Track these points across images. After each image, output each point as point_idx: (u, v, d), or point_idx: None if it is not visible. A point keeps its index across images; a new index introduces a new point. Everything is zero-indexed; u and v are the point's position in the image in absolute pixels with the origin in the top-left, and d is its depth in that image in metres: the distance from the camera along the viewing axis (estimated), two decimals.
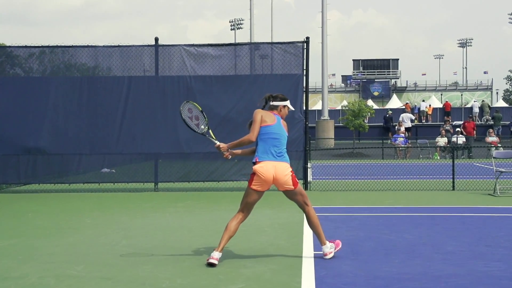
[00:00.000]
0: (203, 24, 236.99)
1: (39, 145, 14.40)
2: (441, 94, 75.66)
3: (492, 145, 24.70)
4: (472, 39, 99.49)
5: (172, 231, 9.04)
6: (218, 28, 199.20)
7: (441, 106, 52.53)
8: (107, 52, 14.62)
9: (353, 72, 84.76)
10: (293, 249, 7.62)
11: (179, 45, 14.59)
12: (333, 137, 35.54)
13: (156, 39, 14.77)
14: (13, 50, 14.87)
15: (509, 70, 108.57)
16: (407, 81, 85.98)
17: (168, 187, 14.88)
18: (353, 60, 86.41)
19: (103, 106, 14.47)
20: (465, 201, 12.56)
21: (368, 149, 26.63)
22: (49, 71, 14.97)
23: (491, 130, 30.38)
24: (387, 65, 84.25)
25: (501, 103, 61.83)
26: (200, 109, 7.38)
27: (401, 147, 27.74)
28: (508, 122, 39.55)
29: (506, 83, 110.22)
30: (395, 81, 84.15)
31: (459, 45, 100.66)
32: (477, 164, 21.97)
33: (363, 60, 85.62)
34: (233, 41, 59.90)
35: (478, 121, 43.63)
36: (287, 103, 7.24)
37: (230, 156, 7.17)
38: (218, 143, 7.11)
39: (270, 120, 6.95)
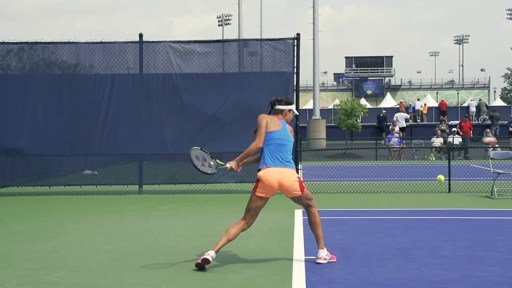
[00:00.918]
0: (189, 20, 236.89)
1: (18, 146, 14.31)
2: (437, 93, 75.94)
3: (490, 146, 24.83)
4: (468, 36, 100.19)
5: (157, 235, 9.02)
6: (205, 24, 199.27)
7: (436, 105, 52.74)
8: (89, 49, 14.57)
9: (346, 70, 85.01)
10: (283, 253, 7.62)
11: (165, 41, 14.57)
12: (324, 137, 35.65)
13: (141, 35, 14.74)
14: None
15: (507, 68, 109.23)
16: (401, 79, 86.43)
17: (153, 190, 14.85)
18: (345, 57, 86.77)
19: (85, 105, 14.41)
20: (461, 203, 12.62)
21: (361, 150, 26.67)
22: (28, 68, 14.90)
23: (488, 130, 30.51)
24: (381, 62, 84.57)
25: (499, 102, 62.21)
26: (199, 148, 7.40)
27: (395, 147, 27.83)
28: (506, 122, 39.76)
29: (504, 81, 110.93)
30: (389, 79, 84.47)
31: (455, 41, 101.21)
32: (474, 165, 22.06)
33: (356, 58, 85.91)
34: (220, 38, 59.88)
35: (475, 121, 43.88)
36: (292, 107, 7.33)
37: (241, 168, 7.30)
38: (227, 165, 7.20)
39: (275, 126, 7.02)
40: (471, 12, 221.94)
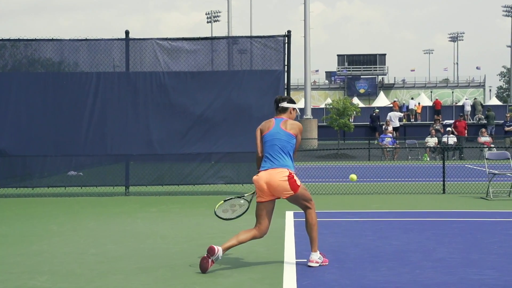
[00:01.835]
0: (177, 17, 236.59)
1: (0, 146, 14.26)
2: (431, 92, 76.16)
3: (485, 146, 24.96)
4: (463, 33, 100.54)
5: (144, 238, 9.01)
6: (193, 21, 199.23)
7: (431, 104, 52.86)
8: (73, 46, 14.53)
9: (338, 68, 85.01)
10: (274, 256, 7.64)
11: (152, 38, 14.55)
12: (316, 137, 35.70)
13: (127, 32, 14.72)
14: None
15: (503, 66, 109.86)
16: (395, 77, 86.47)
17: (140, 191, 14.84)
18: (337, 55, 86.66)
19: (69, 104, 14.36)
20: (456, 205, 12.67)
21: (353, 150, 26.72)
22: (10, 66, 14.83)
23: (483, 130, 30.64)
24: (374, 60, 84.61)
25: (494, 101, 62.37)
26: (221, 202, 7.46)
27: (389, 147, 27.91)
28: (502, 121, 39.92)
29: (500, 80, 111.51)
30: (382, 78, 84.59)
31: (450, 39, 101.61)
32: (469, 165, 22.16)
33: (348, 55, 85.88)
34: (209, 35, 59.85)
35: (470, 120, 44.03)
36: (296, 106, 7.46)
37: None
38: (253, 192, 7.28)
39: (266, 129, 7.16)
40: (466, 8, 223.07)
